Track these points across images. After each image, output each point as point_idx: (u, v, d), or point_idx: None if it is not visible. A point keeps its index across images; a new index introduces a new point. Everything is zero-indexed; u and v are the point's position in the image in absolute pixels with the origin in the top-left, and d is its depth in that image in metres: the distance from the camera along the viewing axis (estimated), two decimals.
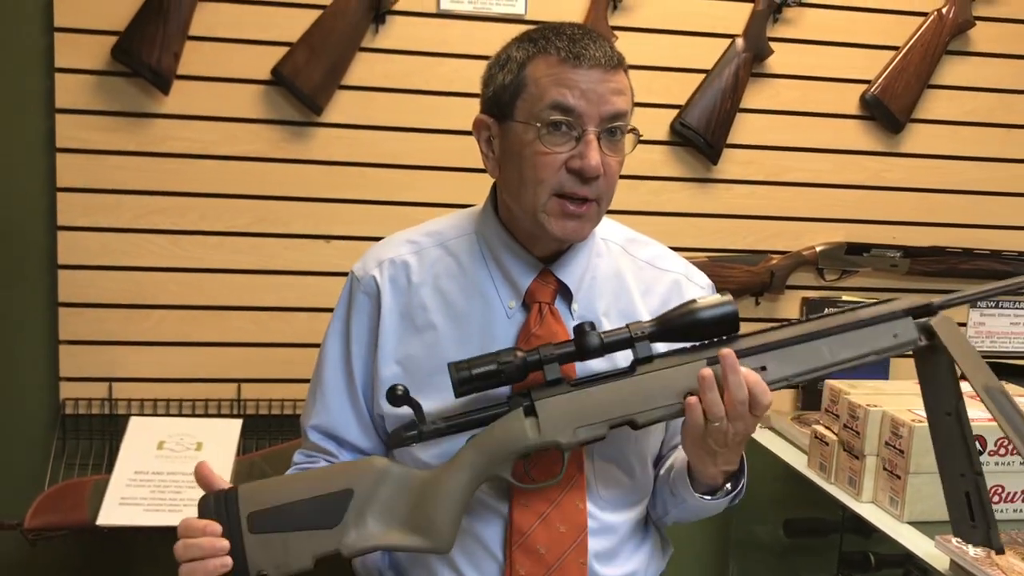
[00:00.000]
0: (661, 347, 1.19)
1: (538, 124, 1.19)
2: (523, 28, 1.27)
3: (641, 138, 1.25)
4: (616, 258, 1.35)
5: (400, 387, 1.15)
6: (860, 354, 1.16)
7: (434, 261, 1.33)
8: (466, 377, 1.13)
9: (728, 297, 1.14)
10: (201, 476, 1.15)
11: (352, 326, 1.33)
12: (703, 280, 1.39)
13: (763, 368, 1.14)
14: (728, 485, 1.28)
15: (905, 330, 1.15)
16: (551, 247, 1.30)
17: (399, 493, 1.14)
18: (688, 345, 1.18)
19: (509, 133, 1.24)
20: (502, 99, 1.23)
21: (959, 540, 1.51)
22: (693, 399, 1.13)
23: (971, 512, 1.15)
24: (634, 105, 1.26)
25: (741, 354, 1.13)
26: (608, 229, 1.38)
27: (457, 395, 1.14)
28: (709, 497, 1.27)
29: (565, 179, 1.20)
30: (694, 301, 1.15)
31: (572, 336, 1.21)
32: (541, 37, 1.22)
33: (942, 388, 1.16)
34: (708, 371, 1.12)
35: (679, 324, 1.14)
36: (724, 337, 1.16)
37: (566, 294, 1.30)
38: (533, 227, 1.25)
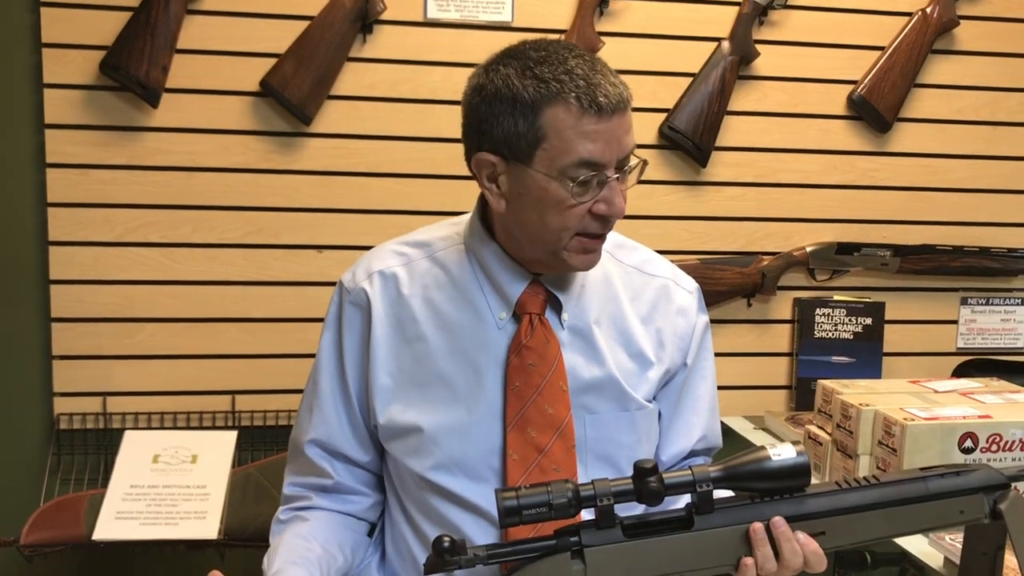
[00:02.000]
0: None
1: (567, 179, 1.16)
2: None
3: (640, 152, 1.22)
4: (604, 264, 1.34)
5: (447, 539, 1.03)
6: (921, 528, 1.11)
7: (423, 273, 1.32)
8: (513, 507, 1.02)
9: (800, 448, 1.06)
10: None
11: (344, 338, 1.32)
12: (690, 284, 1.40)
13: (822, 533, 1.07)
14: None
15: (974, 507, 1.08)
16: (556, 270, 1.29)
17: None
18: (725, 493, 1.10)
19: (524, 178, 1.18)
20: (516, 145, 1.17)
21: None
22: (749, 560, 1.06)
23: None
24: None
25: (802, 517, 1.07)
26: None
27: (503, 526, 1.05)
28: None
29: (588, 223, 1.20)
30: (764, 450, 1.06)
31: (564, 343, 1.21)
32: (553, 79, 1.15)
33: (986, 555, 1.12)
34: (761, 527, 1.05)
35: (745, 473, 1.06)
36: (791, 493, 1.08)
37: (556, 304, 1.29)
38: (549, 260, 1.25)
